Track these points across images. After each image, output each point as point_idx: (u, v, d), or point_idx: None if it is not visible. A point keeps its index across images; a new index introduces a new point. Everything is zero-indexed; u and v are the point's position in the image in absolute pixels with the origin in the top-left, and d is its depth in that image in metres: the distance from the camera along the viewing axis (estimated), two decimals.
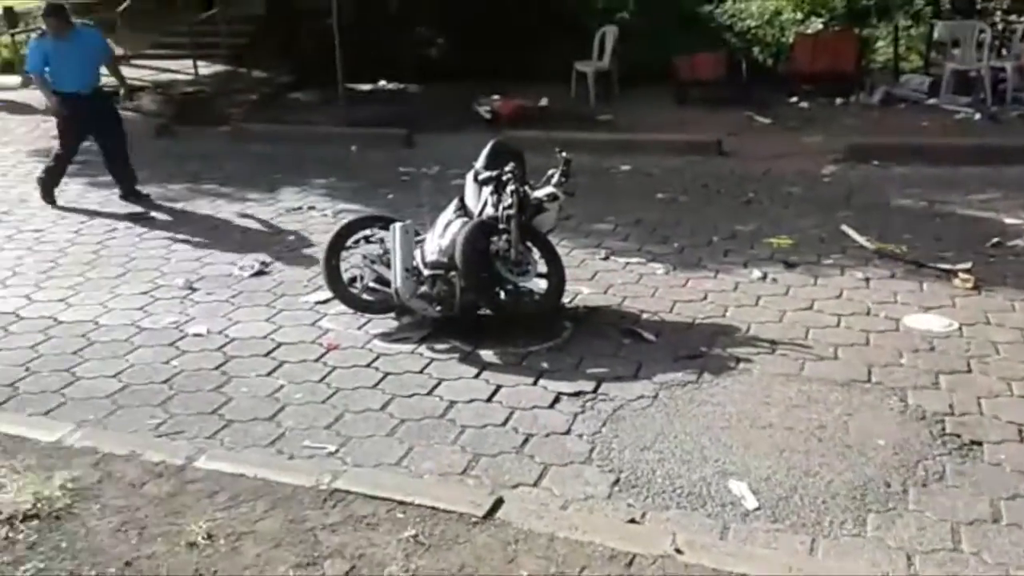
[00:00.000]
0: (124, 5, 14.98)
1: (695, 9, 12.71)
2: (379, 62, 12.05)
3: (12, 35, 16.17)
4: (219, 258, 6.24)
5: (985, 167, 7.77)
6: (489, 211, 4.81)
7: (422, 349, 4.67)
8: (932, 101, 10.12)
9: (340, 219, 6.88)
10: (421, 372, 4.42)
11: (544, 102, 10.40)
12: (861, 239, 6.07)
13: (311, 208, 7.42)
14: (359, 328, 4.96)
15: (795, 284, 5.40)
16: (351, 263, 5.22)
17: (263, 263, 6.04)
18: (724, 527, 3.12)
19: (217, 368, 4.52)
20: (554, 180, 4.92)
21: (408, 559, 2.78)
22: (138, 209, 7.48)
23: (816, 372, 4.27)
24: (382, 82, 12.32)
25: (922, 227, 6.38)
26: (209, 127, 10.61)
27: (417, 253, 4.90)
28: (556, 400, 4.09)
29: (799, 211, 6.90)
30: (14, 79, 14.27)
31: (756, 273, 5.60)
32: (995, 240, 5.98)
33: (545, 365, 4.44)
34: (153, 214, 7.36)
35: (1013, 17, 11.38)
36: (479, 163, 5.03)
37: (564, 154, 5.00)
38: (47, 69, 7.42)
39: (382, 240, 5.04)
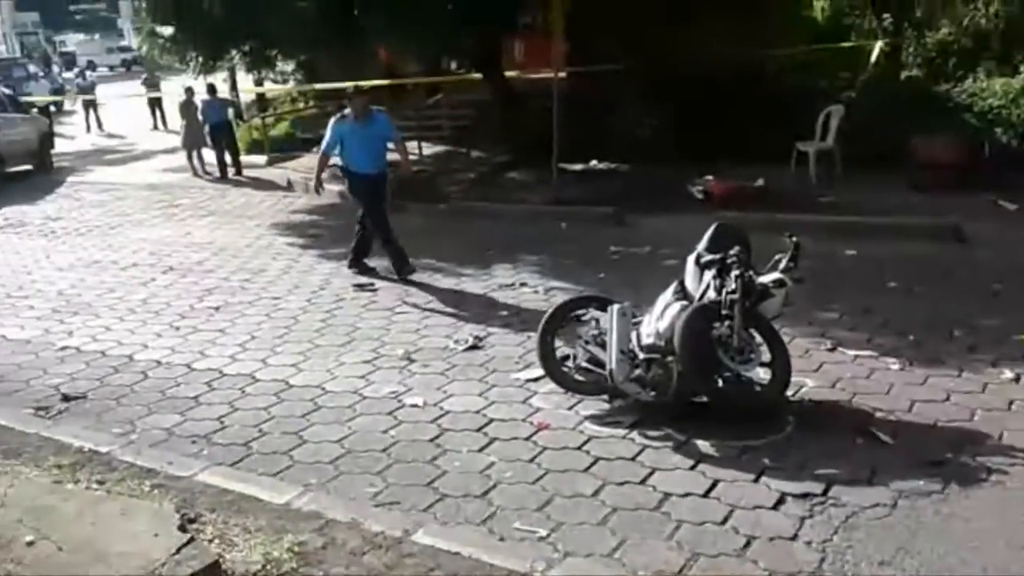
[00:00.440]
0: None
1: (929, 89, 12.02)
2: (592, 142, 12.26)
3: (263, 118, 17.93)
4: (436, 331, 6.43)
5: None
6: (711, 295, 4.65)
7: (634, 435, 4.54)
8: None
9: (551, 296, 6.98)
10: (633, 459, 4.27)
11: (761, 182, 10.10)
12: None
13: (523, 285, 7.54)
14: (570, 408, 4.90)
15: None
16: (564, 341, 5.19)
17: (477, 337, 6.16)
18: None
19: (432, 440, 4.59)
20: (782, 265, 4.71)
21: None
22: (363, 280, 7.89)
23: None
24: (594, 161, 12.49)
25: None
26: (430, 204, 11.14)
27: (633, 335, 4.80)
28: (780, 501, 3.81)
29: None
30: (261, 158, 15.76)
31: (1008, 374, 5.04)
32: None
33: (767, 461, 4.17)
34: (377, 286, 7.73)
35: None
36: (701, 245, 4.89)
37: (793, 238, 4.78)
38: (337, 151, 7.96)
39: (597, 320, 4.99)
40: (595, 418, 4.76)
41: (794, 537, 3.52)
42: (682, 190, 10.31)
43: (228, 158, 14.94)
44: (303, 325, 6.72)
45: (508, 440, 4.56)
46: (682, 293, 4.88)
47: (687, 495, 3.90)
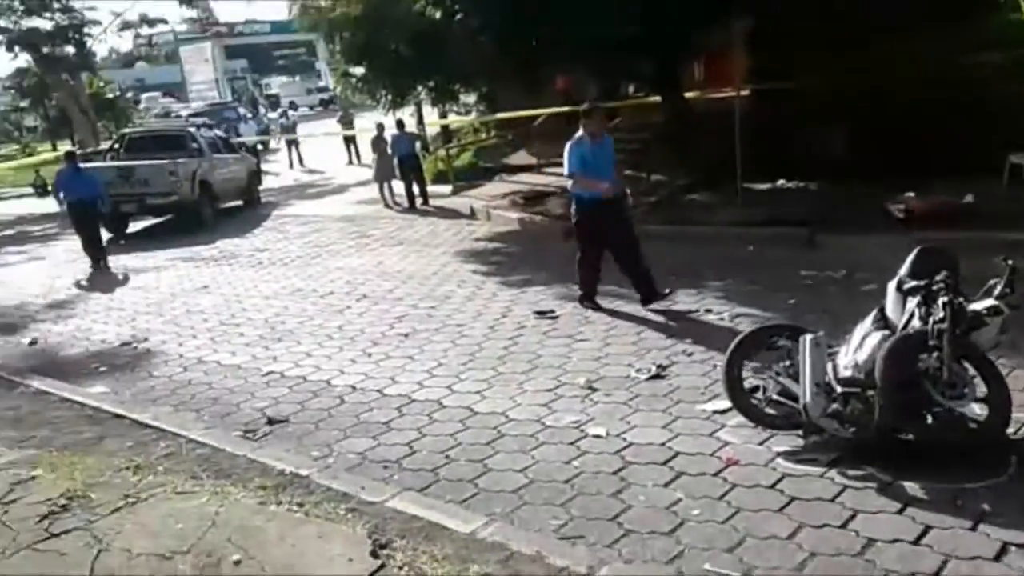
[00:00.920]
0: (539, 120, 16.53)
1: None
2: (778, 160, 11.78)
3: (447, 150, 18.62)
4: (617, 359, 6.35)
5: None
6: (916, 324, 4.31)
7: (832, 474, 4.26)
8: None
9: (738, 323, 6.74)
10: (833, 500, 4.01)
11: (970, 198, 9.32)
12: None
13: (708, 311, 7.32)
14: (760, 443, 4.68)
15: None
16: (753, 372, 4.98)
17: (660, 366, 6.02)
18: None
19: (615, 473, 4.51)
20: (996, 291, 4.30)
21: None
22: (544, 308, 7.93)
23: None
24: (780, 180, 12.02)
25: None
26: None
27: (828, 367, 4.53)
28: (1003, 551, 3.47)
29: None
30: (446, 188, 16.34)
31: None
32: None
33: (986, 507, 3.79)
34: (557, 313, 7.76)
35: None
36: (903, 270, 4.56)
37: (1009, 261, 4.37)
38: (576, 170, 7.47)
39: (789, 351, 4.75)
40: (789, 454, 4.51)
41: None
42: (879, 209, 9.69)
43: (416, 189, 15.59)
44: (487, 352, 6.83)
45: (695, 475, 4.41)
46: (883, 322, 4.56)
47: (894, 541, 3.61)
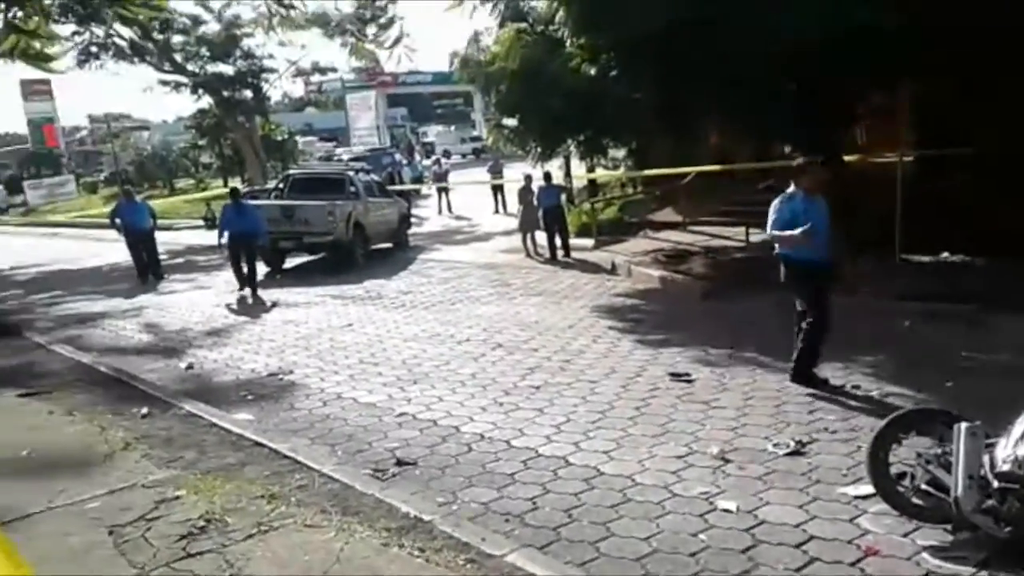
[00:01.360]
0: (687, 179, 16.37)
1: None
2: (943, 232, 11.09)
3: (592, 203, 18.69)
4: (754, 431, 6.11)
5: None
6: None
7: (984, 575, 3.91)
8: None
9: (887, 403, 6.35)
10: None
11: None
12: None
13: (855, 387, 6.94)
14: (905, 535, 4.37)
15: None
16: (901, 457, 4.67)
17: (800, 442, 5.75)
18: None
19: (744, 551, 4.32)
20: None
21: None
22: (680, 370, 7.76)
23: None
24: (945, 253, 11.33)
25: None
26: (757, 292, 10.76)
27: (985, 459, 4.19)
28: None
29: None
30: (589, 241, 16.37)
31: None
32: None
33: None
34: (693, 376, 7.56)
35: None
36: None
37: None
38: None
39: (941, 438, 4.43)
40: (936, 550, 4.19)
41: None
42: None
43: (558, 240, 15.70)
44: (617, 411, 6.73)
45: (830, 562, 4.16)
46: None
47: None
